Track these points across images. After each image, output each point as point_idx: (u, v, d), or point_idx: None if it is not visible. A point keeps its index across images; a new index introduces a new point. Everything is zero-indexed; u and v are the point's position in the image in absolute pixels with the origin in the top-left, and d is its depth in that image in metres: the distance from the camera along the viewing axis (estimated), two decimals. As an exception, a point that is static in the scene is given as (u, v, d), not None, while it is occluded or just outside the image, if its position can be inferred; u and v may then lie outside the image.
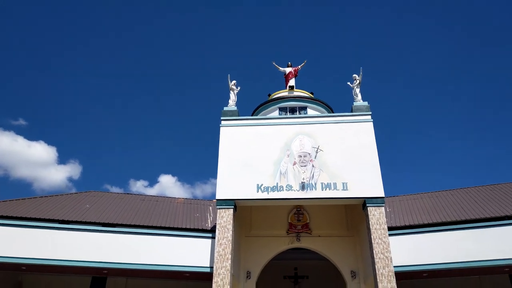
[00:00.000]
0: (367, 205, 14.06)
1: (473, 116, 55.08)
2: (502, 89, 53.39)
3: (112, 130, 58.71)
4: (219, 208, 14.46)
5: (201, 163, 60.26)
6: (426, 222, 15.96)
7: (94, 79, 57.39)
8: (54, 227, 14.64)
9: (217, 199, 14.62)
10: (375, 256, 13.24)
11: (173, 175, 62.16)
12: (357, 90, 16.63)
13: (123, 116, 59.47)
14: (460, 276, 16.61)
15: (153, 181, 63.12)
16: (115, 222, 16.47)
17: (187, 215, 18.03)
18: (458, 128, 55.77)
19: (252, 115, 19.68)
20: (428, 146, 56.75)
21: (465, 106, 54.92)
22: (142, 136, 60.32)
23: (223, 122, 16.05)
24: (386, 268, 13.00)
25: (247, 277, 16.09)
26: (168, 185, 57.69)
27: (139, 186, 55.65)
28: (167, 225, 16.46)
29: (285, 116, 17.78)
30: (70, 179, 55.88)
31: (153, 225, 16.35)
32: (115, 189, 49.37)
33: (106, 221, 16.45)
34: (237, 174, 14.87)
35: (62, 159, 58.87)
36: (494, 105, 53.90)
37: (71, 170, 58.56)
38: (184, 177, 62.80)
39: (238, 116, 16.25)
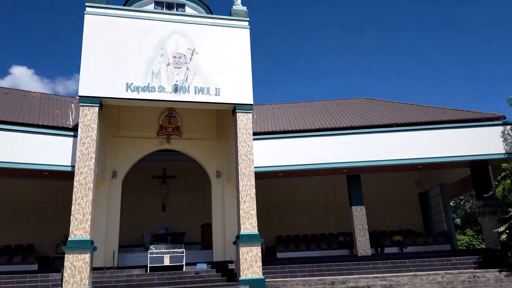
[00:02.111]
0: (236, 111, 14.66)
1: (342, 37, 59.42)
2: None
3: None
4: (83, 106, 13.46)
5: (64, 55, 53.79)
6: (285, 129, 17.51)
7: None
8: None
9: (80, 96, 13.51)
10: (239, 158, 14.25)
11: (29, 67, 54.63)
12: (238, -6, 16.17)
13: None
14: (309, 176, 19.22)
15: (3, 73, 54.68)
16: (-49, 115, 14.10)
17: (45, 111, 16.34)
18: (328, 47, 59.91)
19: (124, 6, 17.79)
20: (300, 60, 60.16)
21: (338, 24, 58.63)
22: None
23: (88, 9, 14.21)
24: (248, 168, 14.19)
25: (112, 176, 15.94)
26: (23, 78, 50.88)
27: (-17, 76, 47.73)
28: (20, 121, 14.72)
29: (161, 11, 16.55)
30: None
31: (2, 120, 14.46)
32: (-50, 77, 41.50)
33: None
34: (104, 70, 13.76)
35: None
36: (361, 27, 58.72)
37: None
38: (43, 71, 55.71)
39: (107, 4, 14.53)
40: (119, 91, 13.70)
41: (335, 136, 16.16)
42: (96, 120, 13.39)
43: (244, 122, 14.63)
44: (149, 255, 14.40)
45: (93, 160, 13.01)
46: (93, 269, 13.10)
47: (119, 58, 13.98)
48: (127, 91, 13.75)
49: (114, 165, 16.12)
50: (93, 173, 12.92)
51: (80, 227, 12.35)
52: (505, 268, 13.89)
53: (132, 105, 15.06)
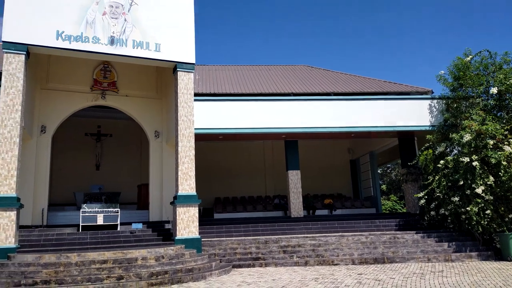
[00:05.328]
0: (177, 69, 14.21)
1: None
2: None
3: None
4: (7, 52, 12.26)
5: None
6: (227, 91, 17.40)
7: None
8: None
9: (3, 41, 12.26)
10: (179, 118, 13.96)
11: None
12: None
13: None
14: (249, 140, 19.46)
15: None
16: None
17: (-39, 57, 14.74)
18: (273, 12, 59.25)
19: None
20: (241, 22, 59.01)
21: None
22: None
23: None
24: (188, 129, 13.98)
25: (41, 131, 14.98)
26: None
27: None
28: None
29: (97, -45, 15.23)
30: None
31: None
32: None
33: None
34: (32, 14, 12.54)
35: None
36: None
37: None
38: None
39: None
40: (48, 39, 12.63)
41: (275, 101, 16.33)
42: (23, 69, 12.31)
43: (185, 82, 14.26)
44: (81, 214, 13.95)
45: (19, 113, 12.06)
46: (20, 227, 12.48)
47: (49, 2, 12.80)
48: (57, 39, 12.71)
49: (43, 119, 15.12)
50: (19, 126, 12.01)
51: (5, 183, 11.56)
52: (422, 230, 15.30)
53: (64, 56, 14.02)
